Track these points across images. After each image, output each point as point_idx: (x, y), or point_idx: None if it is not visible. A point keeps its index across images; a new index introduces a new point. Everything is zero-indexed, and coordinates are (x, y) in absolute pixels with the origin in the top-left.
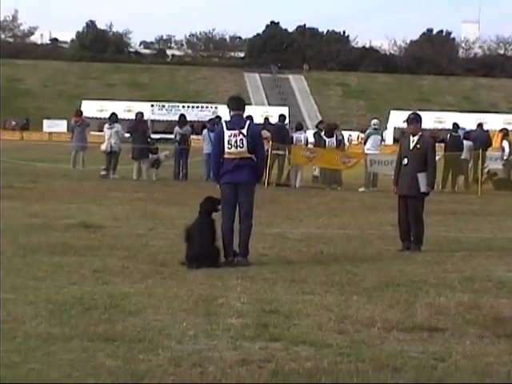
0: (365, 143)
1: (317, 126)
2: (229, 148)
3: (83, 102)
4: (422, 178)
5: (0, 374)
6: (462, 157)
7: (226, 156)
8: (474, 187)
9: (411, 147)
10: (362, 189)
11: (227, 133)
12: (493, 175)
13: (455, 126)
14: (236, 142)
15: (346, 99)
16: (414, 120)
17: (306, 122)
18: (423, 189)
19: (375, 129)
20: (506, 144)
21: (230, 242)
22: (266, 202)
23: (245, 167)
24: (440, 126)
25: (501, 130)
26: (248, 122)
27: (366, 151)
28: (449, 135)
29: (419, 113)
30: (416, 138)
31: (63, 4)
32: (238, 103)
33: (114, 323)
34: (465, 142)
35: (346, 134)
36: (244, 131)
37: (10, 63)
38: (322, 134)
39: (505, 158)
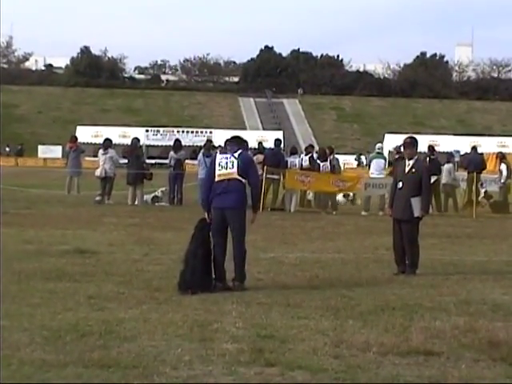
0: (368, 167)
1: (306, 150)
2: (219, 170)
3: (78, 128)
4: (415, 202)
5: None
6: (445, 180)
7: (216, 179)
8: (468, 210)
9: (406, 171)
10: (371, 213)
11: (219, 156)
12: (490, 197)
13: (431, 148)
14: (226, 163)
15: (341, 123)
16: (410, 144)
17: (301, 146)
18: (417, 213)
19: (379, 153)
20: (503, 167)
21: (222, 267)
22: (260, 227)
23: (232, 192)
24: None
25: (498, 154)
26: (241, 149)
27: (370, 175)
28: (428, 158)
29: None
30: (412, 161)
31: (58, 30)
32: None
33: (109, 349)
34: (446, 165)
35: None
36: (236, 155)
37: (5, 89)
38: (315, 157)
39: (502, 181)
